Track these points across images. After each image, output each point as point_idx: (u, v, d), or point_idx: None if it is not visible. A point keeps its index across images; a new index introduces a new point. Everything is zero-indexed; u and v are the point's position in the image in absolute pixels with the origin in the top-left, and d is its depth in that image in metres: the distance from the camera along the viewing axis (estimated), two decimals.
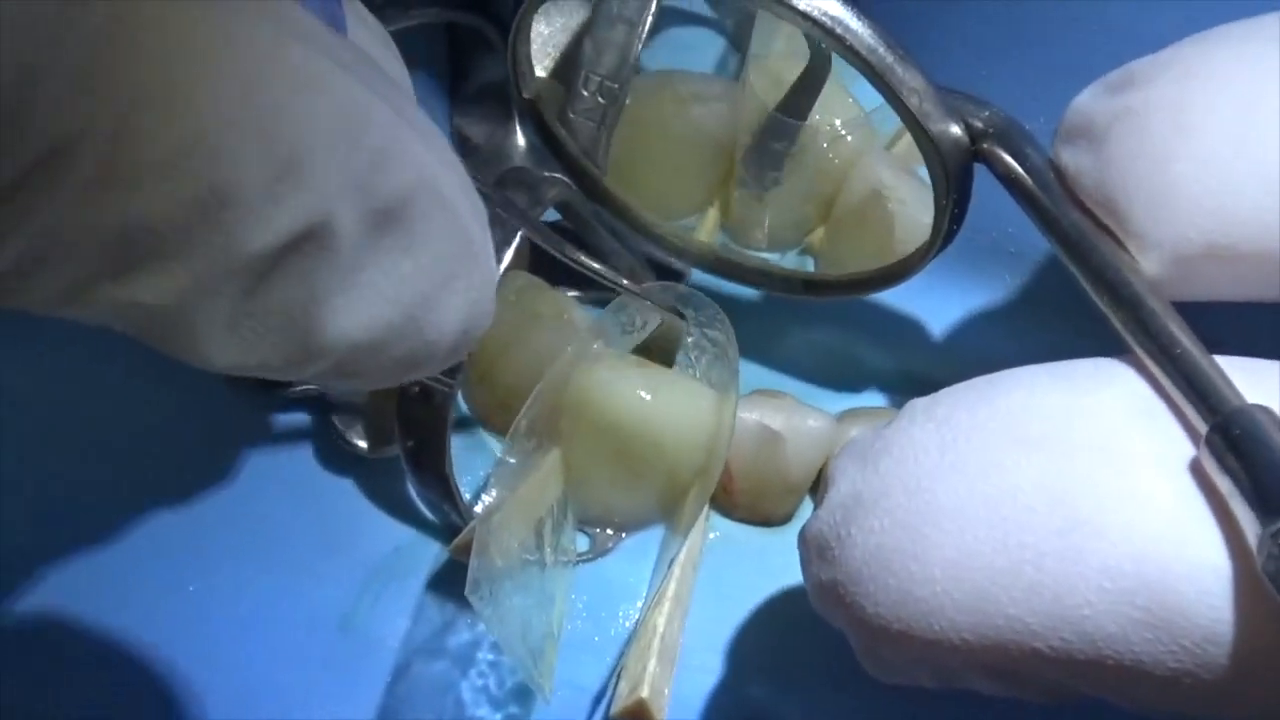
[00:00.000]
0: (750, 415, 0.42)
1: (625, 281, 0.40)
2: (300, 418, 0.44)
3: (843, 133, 0.43)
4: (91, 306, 0.22)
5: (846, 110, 0.43)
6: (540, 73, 0.43)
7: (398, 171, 0.24)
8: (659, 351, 0.43)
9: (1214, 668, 0.28)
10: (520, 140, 0.48)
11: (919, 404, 0.33)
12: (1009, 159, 0.36)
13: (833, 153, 0.43)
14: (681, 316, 0.42)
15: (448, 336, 0.27)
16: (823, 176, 0.44)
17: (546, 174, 0.41)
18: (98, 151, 0.20)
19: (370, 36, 0.32)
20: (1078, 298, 0.35)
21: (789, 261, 0.46)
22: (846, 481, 0.32)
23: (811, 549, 0.33)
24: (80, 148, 0.20)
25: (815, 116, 0.43)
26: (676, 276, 0.46)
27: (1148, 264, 0.33)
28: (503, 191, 0.38)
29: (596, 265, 0.39)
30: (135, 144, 0.20)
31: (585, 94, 0.41)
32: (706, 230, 0.46)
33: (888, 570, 0.30)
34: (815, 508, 0.34)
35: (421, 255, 0.26)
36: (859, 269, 0.42)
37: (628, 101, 0.42)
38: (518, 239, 0.38)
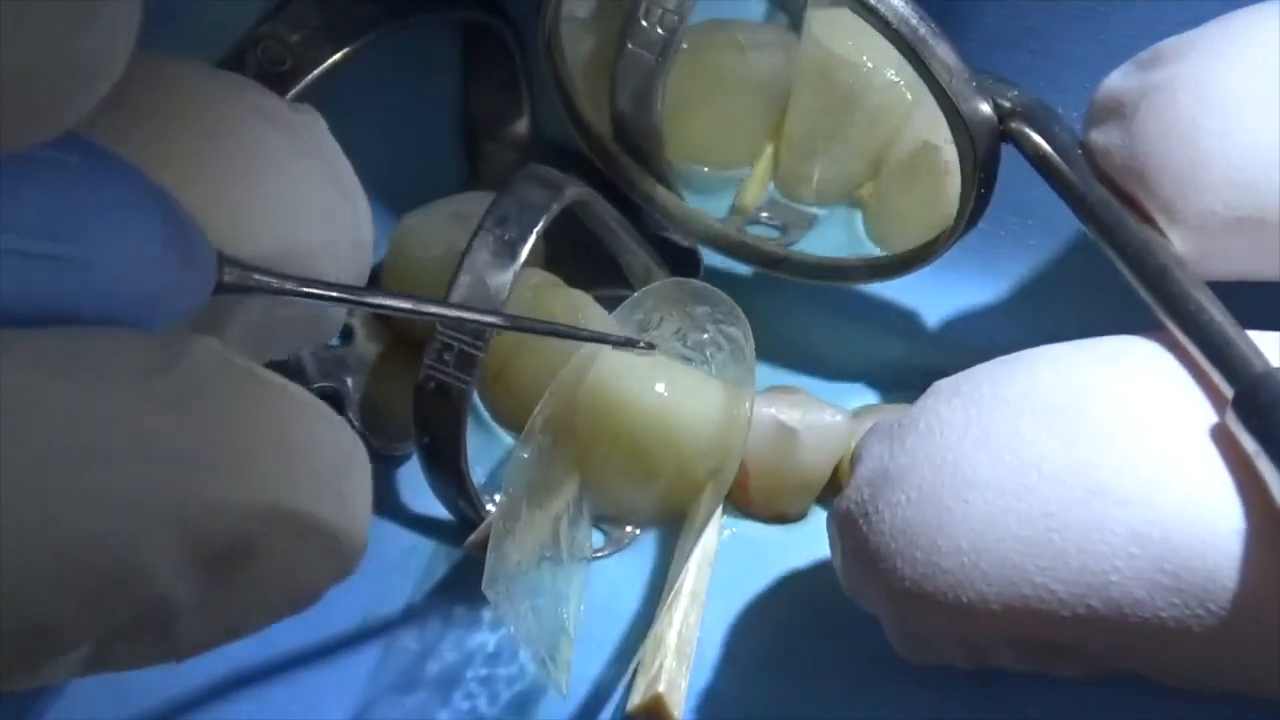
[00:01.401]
0: (766, 411, 0.42)
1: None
2: None
3: (896, 80, 0.43)
4: None
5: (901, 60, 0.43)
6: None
7: (232, 522, 0.24)
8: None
9: (1241, 632, 0.28)
10: (534, 137, 0.49)
11: (945, 382, 0.33)
12: (1037, 138, 0.36)
13: (885, 103, 0.43)
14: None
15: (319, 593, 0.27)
16: (875, 127, 0.43)
17: (564, 174, 0.42)
18: None
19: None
20: (1100, 290, 0.35)
21: (837, 215, 0.46)
22: (873, 458, 0.33)
23: (840, 527, 0.33)
24: None
25: (869, 65, 0.42)
26: (692, 272, 0.46)
27: (1176, 239, 0.33)
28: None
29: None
30: None
31: (645, 24, 0.41)
32: (757, 181, 0.45)
33: (914, 544, 0.30)
34: (845, 483, 0.34)
35: (274, 570, 0.25)
36: (906, 223, 0.42)
37: (684, 47, 0.42)
38: (531, 239, 0.38)
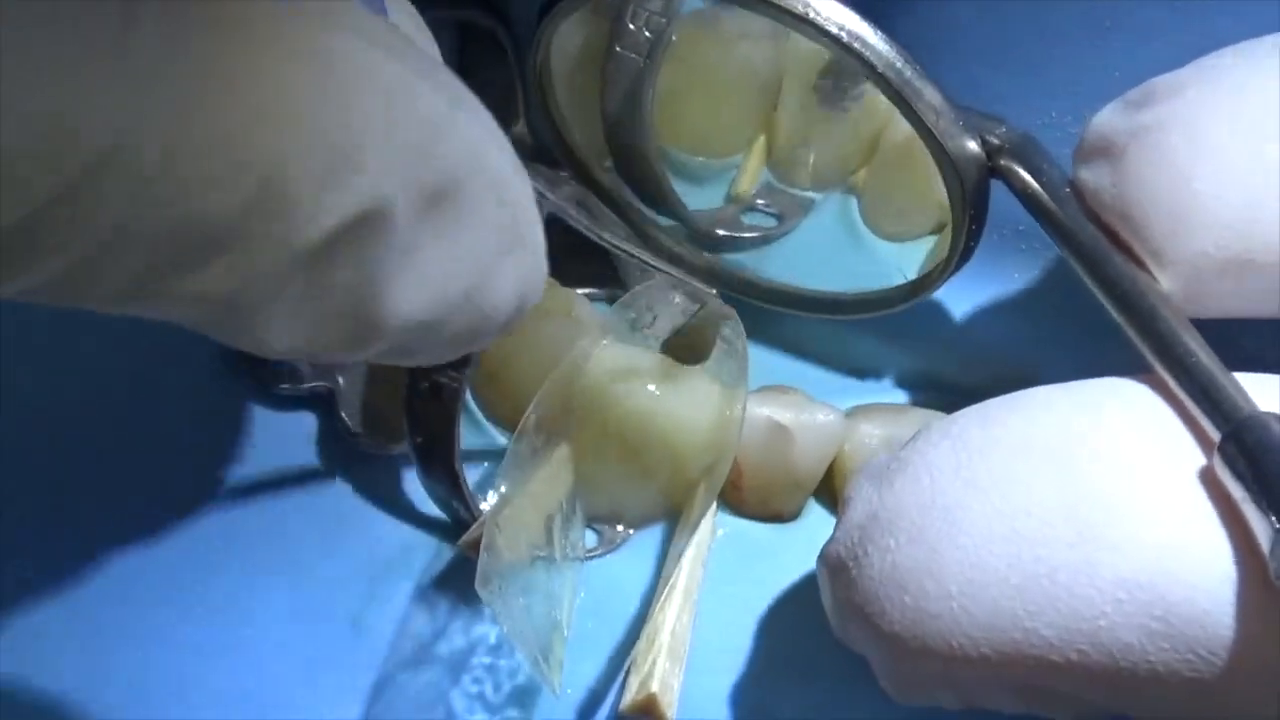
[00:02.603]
0: (760, 410, 0.42)
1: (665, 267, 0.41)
2: (309, 415, 0.44)
3: None
4: (152, 302, 0.22)
5: None
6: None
7: (447, 151, 0.24)
8: (690, 349, 0.43)
9: (1230, 676, 0.28)
10: (529, 139, 0.48)
11: (935, 424, 0.33)
12: (1026, 175, 0.36)
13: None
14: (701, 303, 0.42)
15: (503, 309, 0.28)
16: (868, 113, 0.43)
17: (559, 174, 0.41)
18: (149, 158, 0.20)
19: (407, 19, 0.31)
20: (1084, 294, 0.35)
21: (832, 202, 0.46)
22: (863, 502, 0.32)
23: (829, 571, 0.33)
24: (132, 154, 0.20)
25: None
26: None
27: (1165, 279, 0.33)
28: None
29: (624, 244, 0.39)
30: (185, 147, 0.20)
31: (632, 28, 0.41)
32: (752, 167, 0.46)
33: (904, 589, 0.30)
34: (835, 526, 0.34)
35: (475, 231, 0.26)
36: (901, 207, 0.42)
37: (673, 39, 0.42)
38: None
